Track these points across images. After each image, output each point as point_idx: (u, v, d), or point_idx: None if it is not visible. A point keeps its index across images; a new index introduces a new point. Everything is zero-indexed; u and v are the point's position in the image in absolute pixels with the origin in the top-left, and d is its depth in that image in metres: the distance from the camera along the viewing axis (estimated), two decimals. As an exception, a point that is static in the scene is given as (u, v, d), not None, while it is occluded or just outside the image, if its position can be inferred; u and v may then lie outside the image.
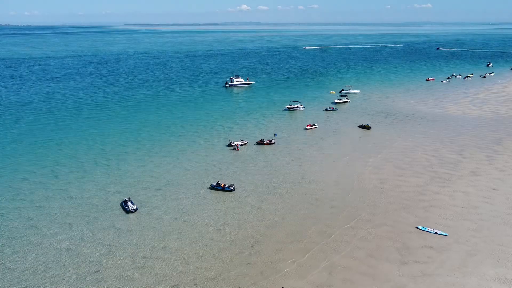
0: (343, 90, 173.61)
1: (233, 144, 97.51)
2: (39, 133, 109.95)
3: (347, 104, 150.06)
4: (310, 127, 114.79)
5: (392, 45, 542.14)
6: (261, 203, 67.77)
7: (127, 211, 64.59)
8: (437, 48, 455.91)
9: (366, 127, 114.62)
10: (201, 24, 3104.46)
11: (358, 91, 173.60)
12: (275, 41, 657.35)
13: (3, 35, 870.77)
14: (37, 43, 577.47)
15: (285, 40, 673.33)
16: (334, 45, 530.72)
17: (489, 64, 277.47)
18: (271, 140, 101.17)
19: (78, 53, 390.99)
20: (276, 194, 71.09)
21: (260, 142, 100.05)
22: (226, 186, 72.88)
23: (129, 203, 65.72)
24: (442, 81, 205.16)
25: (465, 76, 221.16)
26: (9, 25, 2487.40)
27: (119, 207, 66.66)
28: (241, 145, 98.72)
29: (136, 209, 65.06)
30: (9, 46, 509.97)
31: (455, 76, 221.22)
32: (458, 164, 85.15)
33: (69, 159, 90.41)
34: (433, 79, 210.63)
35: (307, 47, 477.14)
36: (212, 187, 73.57)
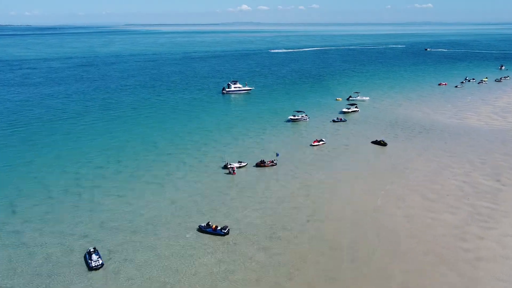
0: (350, 97, 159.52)
1: (229, 167, 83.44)
2: (4, 152, 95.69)
3: (356, 113, 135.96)
4: (317, 143, 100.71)
5: (394, 45, 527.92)
6: (261, 253, 53.64)
7: (90, 268, 50.47)
8: (426, 49, 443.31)
9: (381, 143, 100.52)
10: (201, 24, 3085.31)
11: (367, 98, 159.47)
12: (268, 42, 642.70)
13: (1, 36, 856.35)
14: (33, 44, 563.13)
15: (284, 42, 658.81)
16: (311, 48, 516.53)
17: (502, 66, 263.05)
18: (272, 161, 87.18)
19: (71, 55, 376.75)
20: (280, 240, 56.97)
21: (260, 164, 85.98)
22: (218, 228, 58.77)
23: (93, 256, 51.59)
24: (456, 86, 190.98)
25: (479, 80, 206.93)
26: (9, 25, 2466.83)
27: (82, 259, 52.61)
28: (239, 167, 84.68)
29: (101, 265, 50.88)
30: (3, 47, 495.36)
31: (469, 80, 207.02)
32: (497, 194, 70.98)
33: (35, 186, 76.36)
34: (445, 84, 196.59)
35: (273, 50, 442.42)
36: (202, 229, 59.49)
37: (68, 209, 66.79)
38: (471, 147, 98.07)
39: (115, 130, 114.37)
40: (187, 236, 58.29)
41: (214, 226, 58.94)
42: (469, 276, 48.26)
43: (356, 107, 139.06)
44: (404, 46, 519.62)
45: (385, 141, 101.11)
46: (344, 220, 62.22)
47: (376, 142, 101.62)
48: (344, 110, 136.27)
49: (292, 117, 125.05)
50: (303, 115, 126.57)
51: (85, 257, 52.88)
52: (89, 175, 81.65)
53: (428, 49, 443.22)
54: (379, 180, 77.51)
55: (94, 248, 53.44)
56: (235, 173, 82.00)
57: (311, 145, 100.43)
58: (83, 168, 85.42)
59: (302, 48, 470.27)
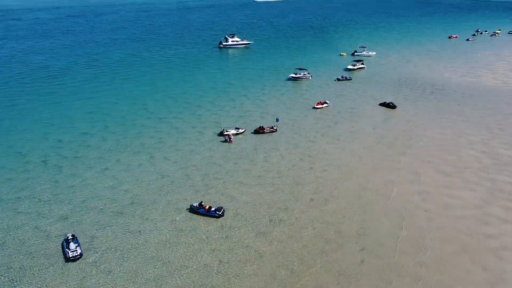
0: (356, 52, 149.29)
1: (225, 134, 76.42)
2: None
3: (362, 70, 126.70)
4: (320, 106, 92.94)
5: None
6: (260, 240, 47.84)
7: (67, 258, 44.77)
8: None
9: (390, 105, 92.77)
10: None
11: (374, 53, 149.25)
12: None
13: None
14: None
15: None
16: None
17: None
18: (272, 127, 79.95)
19: (60, 4, 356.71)
20: (281, 223, 51.04)
21: (259, 131, 78.81)
22: (212, 209, 52.68)
23: (71, 244, 45.75)
24: (468, 39, 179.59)
25: (492, 32, 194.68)
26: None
27: (60, 247, 46.86)
28: (236, 134, 77.59)
29: (80, 255, 45.10)
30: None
31: (481, 33, 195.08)
32: (520, 167, 64.51)
33: (11, 157, 69.50)
34: (456, 37, 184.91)
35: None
36: (193, 210, 53.41)
37: (46, 185, 60.41)
38: (487, 110, 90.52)
39: (102, 91, 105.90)
40: (177, 218, 52.30)
41: (207, 207, 52.81)
42: (493, 269, 42.74)
43: (362, 63, 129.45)
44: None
45: (394, 104, 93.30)
46: (351, 199, 56.07)
47: (384, 105, 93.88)
48: (349, 67, 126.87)
49: (294, 75, 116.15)
50: (305, 73, 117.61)
51: (62, 245, 47.07)
52: (72, 144, 74.65)
53: None
54: (389, 150, 70.76)
55: (73, 235, 47.58)
56: (231, 141, 75.07)
57: (314, 108, 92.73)
58: (66, 135, 78.27)
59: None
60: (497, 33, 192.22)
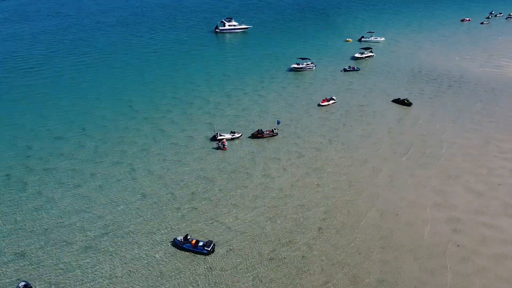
0: (363, 37, 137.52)
1: (219, 138, 66.70)
2: None
3: (371, 59, 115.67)
4: (326, 103, 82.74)
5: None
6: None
7: (16, 318, 35.75)
8: None
9: (405, 102, 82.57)
10: None
11: (382, 38, 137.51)
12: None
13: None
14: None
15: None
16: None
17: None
18: (272, 130, 69.90)
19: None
20: (283, 263, 41.77)
21: (258, 135, 68.86)
22: (200, 245, 43.33)
23: (22, 297, 36.68)
24: (482, 23, 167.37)
25: (507, 15, 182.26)
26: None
27: (9, 299, 37.79)
28: (232, 139, 67.72)
29: (32, 314, 36.08)
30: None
31: (495, 15, 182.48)
32: None
33: (-30, 169, 59.88)
34: (469, 20, 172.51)
35: None
36: (178, 245, 44.05)
37: (5, 209, 50.94)
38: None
39: (84, 85, 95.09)
40: (157, 256, 43.01)
41: (194, 241, 43.45)
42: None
43: (371, 51, 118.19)
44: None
45: (409, 100, 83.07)
46: (368, 229, 46.65)
47: (398, 101, 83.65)
48: (357, 55, 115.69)
49: (296, 66, 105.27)
50: (308, 62, 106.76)
51: (12, 296, 38.03)
52: (43, 151, 64.82)
53: None
54: (407, 161, 61.04)
55: (26, 285, 38.35)
56: (225, 148, 65.25)
57: (319, 105, 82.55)
58: (37, 141, 68.36)
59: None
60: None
